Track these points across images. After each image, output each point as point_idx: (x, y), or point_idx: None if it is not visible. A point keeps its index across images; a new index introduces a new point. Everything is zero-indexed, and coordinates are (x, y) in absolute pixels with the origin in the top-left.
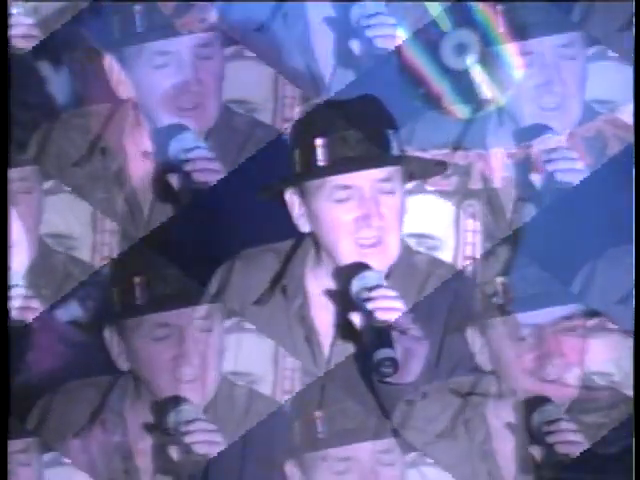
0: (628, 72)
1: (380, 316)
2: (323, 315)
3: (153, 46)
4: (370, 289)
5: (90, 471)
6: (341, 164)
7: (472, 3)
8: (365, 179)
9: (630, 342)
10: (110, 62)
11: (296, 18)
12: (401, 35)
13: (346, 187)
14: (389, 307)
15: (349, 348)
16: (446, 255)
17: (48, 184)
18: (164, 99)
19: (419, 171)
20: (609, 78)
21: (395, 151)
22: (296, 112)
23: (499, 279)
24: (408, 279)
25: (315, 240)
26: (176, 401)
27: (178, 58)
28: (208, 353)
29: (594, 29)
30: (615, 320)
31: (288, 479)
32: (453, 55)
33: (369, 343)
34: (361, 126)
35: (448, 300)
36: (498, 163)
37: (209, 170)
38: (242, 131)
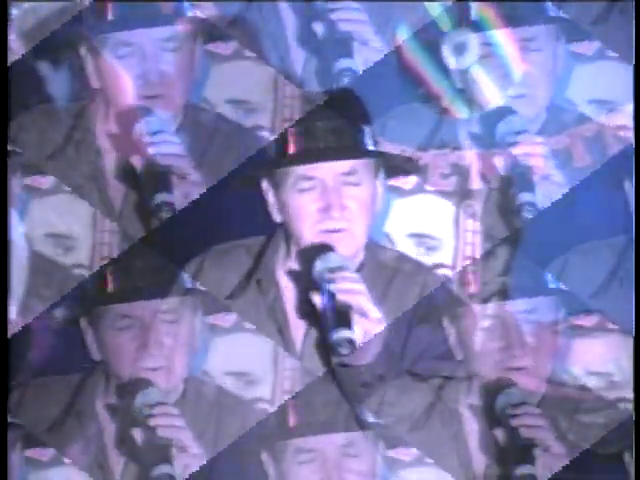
0: (628, 72)
1: (341, 297)
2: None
3: (118, 36)
4: (332, 270)
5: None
6: (308, 154)
7: (472, 3)
8: (328, 170)
9: (630, 342)
10: (84, 52)
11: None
12: (401, 35)
13: (310, 178)
14: (350, 289)
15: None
16: (446, 255)
17: (48, 184)
18: (127, 88)
19: (388, 167)
20: (609, 78)
21: (366, 145)
22: (296, 112)
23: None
24: (376, 274)
25: (285, 231)
26: (141, 384)
27: (141, 49)
28: (174, 345)
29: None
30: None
31: (264, 467)
32: (453, 55)
33: (328, 323)
34: (333, 118)
35: (414, 293)
36: (498, 163)
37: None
38: (208, 127)
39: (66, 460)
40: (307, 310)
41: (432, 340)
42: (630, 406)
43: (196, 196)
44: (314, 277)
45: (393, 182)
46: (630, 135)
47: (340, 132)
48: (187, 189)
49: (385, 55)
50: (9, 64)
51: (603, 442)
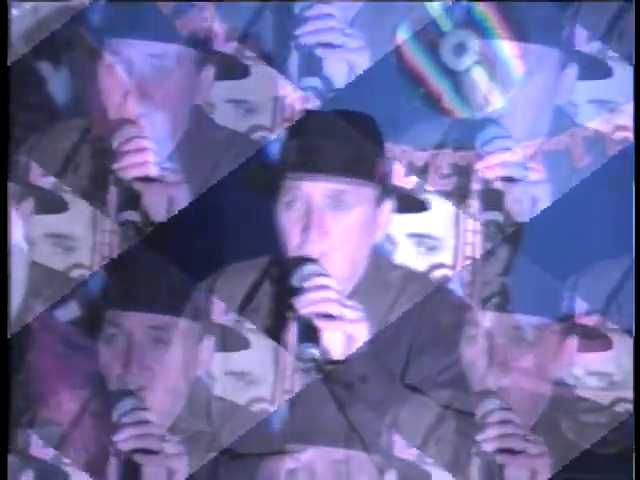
0: (628, 72)
1: (310, 309)
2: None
3: (109, 43)
4: (306, 278)
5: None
6: (302, 169)
7: (472, 3)
8: (316, 189)
9: (630, 342)
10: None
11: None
12: (401, 35)
13: (297, 193)
14: (322, 298)
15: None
16: (446, 255)
17: (48, 184)
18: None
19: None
20: (609, 78)
21: (372, 173)
22: (296, 112)
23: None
24: (377, 293)
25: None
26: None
27: (128, 61)
28: (156, 366)
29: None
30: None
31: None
32: (453, 55)
33: (297, 335)
34: (339, 138)
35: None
36: (498, 163)
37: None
38: (216, 143)
39: (66, 460)
40: (280, 326)
41: (439, 364)
42: (630, 406)
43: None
44: (290, 288)
45: (393, 182)
46: (630, 135)
47: (341, 153)
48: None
49: (385, 55)
50: (9, 64)
51: (603, 442)
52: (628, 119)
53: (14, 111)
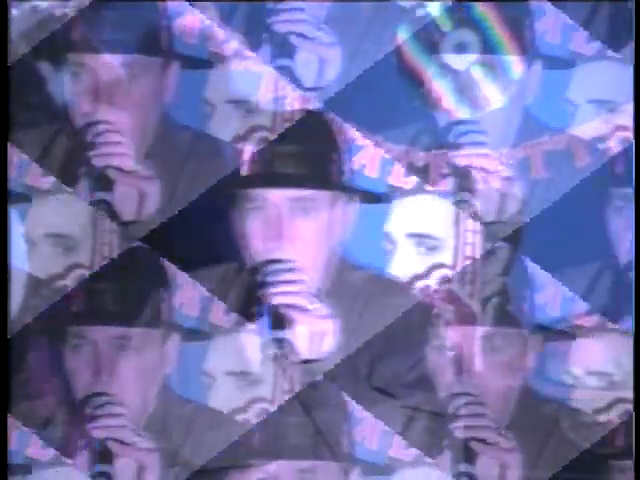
0: (628, 72)
1: (278, 300)
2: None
3: (72, 57)
4: (272, 273)
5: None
6: (263, 178)
7: (472, 3)
8: (281, 196)
9: (630, 342)
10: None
11: None
12: (401, 35)
13: (261, 200)
14: (288, 291)
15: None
16: (446, 255)
17: (48, 184)
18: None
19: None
20: (609, 78)
21: (330, 174)
22: (296, 113)
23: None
24: (345, 298)
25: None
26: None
27: (91, 72)
28: (122, 373)
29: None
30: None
31: None
32: (453, 55)
33: (266, 327)
34: (299, 143)
35: (388, 315)
36: (498, 163)
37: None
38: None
39: (66, 460)
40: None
41: (404, 366)
42: (630, 406)
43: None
44: (257, 286)
45: (393, 182)
46: (630, 135)
47: (302, 159)
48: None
49: (385, 55)
50: (9, 64)
51: (603, 442)
52: (628, 119)
53: (14, 111)
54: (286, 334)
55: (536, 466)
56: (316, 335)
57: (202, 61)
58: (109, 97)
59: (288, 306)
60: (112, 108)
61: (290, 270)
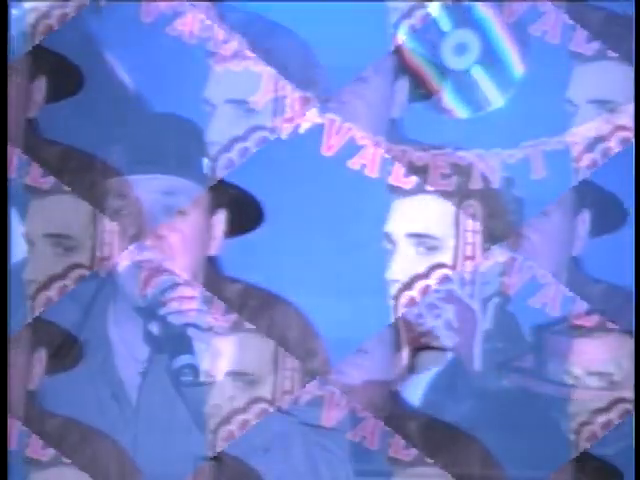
0: (628, 72)
1: (175, 320)
2: (128, 362)
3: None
4: (165, 291)
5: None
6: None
7: (472, 3)
8: (147, 190)
9: (630, 342)
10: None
11: None
12: (401, 35)
13: (124, 196)
14: (184, 309)
15: (158, 391)
16: (446, 255)
17: (48, 184)
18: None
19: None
20: (609, 78)
21: (198, 170)
22: (297, 113)
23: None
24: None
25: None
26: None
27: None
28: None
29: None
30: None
31: None
32: (453, 55)
33: (167, 351)
34: (166, 138)
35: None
36: (498, 163)
37: None
38: None
39: (66, 460)
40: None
41: None
42: (630, 406)
43: None
44: (148, 306)
45: (393, 182)
46: (630, 135)
47: (173, 154)
48: None
49: (385, 55)
50: (9, 64)
51: (603, 442)
52: (628, 119)
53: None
54: (191, 359)
55: (536, 466)
56: (217, 351)
57: None
58: None
59: (188, 325)
60: None
61: (182, 284)
